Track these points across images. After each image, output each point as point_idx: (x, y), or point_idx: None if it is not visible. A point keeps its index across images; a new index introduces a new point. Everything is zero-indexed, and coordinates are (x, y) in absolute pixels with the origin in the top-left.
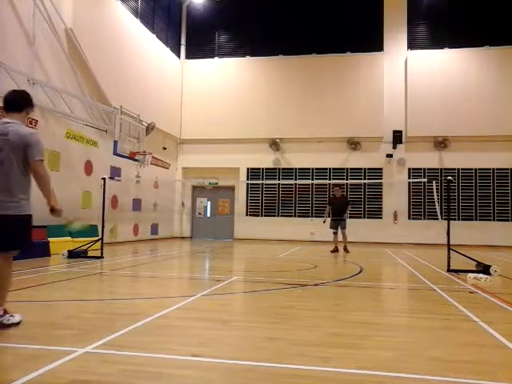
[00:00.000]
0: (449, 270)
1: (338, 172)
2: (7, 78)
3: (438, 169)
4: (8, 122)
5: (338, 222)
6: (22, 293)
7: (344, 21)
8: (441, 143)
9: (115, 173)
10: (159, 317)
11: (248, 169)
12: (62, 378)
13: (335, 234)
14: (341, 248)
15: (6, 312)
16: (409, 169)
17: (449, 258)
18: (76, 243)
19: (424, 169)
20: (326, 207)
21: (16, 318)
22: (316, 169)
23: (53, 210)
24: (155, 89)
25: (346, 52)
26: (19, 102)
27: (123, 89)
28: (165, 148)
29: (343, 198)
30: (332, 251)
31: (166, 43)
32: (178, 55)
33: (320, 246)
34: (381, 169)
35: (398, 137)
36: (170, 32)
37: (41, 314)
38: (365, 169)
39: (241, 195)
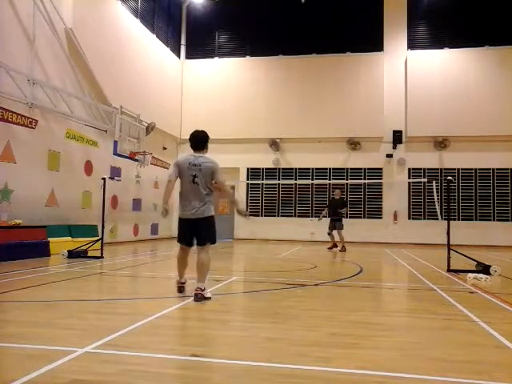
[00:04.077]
0: (449, 270)
1: (338, 172)
2: (7, 77)
3: (438, 169)
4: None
5: (333, 223)
6: (22, 293)
7: (344, 21)
8: (441, 143)
9: (115, 173)
10: (159, 317)
11: (248, 169)
12: (62, 378)
13: (329, 234)
14: (339, 247)
15: (203, 290)
16: (409, 169)
17: (449, 257)
18: (76, 243)
19: (424, 169)
20: (325, 208)
21: (209, 294)
22: (316, 169)
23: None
24: (155, 89)
25: (346, 52)
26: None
27: (123, 89)
28: (165, 148)
29: (341, 199)
30: (329, 248)
31: (166, 43)
32: (178, 55)
33: (320, 246)
34: (381, 169)
35: (397, 137)
36: (169, 32)
37: (41, 313)
38: (365, 169)
39: (241, 195)
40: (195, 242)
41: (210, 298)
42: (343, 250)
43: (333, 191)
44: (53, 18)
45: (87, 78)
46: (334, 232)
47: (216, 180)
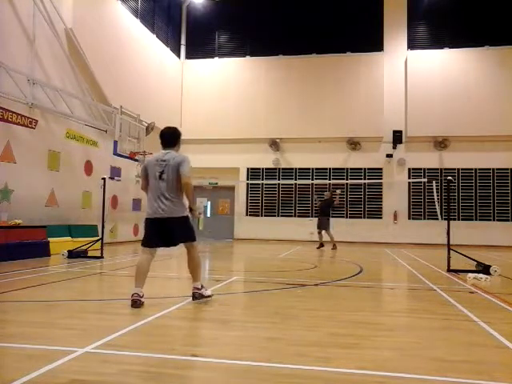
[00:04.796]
0: (449, 270)
1: (338, 172)
2: (7, 77)
3: (438, 169)
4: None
5: (320, 222)
6: (22, 293)
7: (344, 21)
8: (441, 143)
9: (115, 173)
10: (159, 317)
11: (248, 169)
12: (62, 378)
13: (319, 233)
14: (328, 247)
15: (202, 286)
16: (409, 169)
17: (449, 257)
18: (76, 243)
19: (424, 169)
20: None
21: (208, 292)
22: (316, 169)
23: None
24: (155, 89)
25: (346, 52)
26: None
27: (123, 89)
28: None
29: (329, 199)
30: (318, 247)
31: (166, 43)
32: (178, 55)
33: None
34: (381, 169)
35: (398, 137)
36: (169, 32)
37: (41, 313)
38: (365, 169)
39: (241, 195)
40: (163, 244)
41: (210, 296)
42: (334, 247)
43: (319, 191)
44: (53, 18)
45: (87, 78)
46: (323, 232)
47: (180, 171)
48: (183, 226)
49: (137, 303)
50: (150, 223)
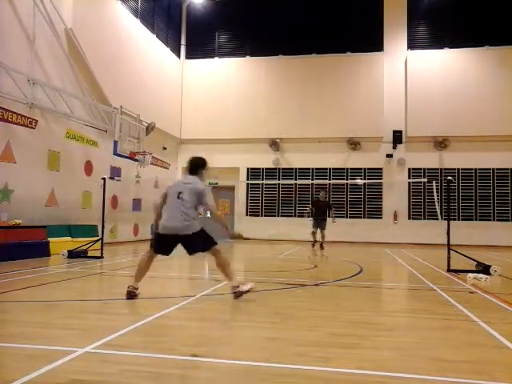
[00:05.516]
0: (449, 270)
1: (338, 172)
2: (7, 77)
3: (438, 169)
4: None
5: (319, 223)
6: (22, 293)
7: (344, 21)
8: (441, 143)
9: (115, 173)
10: (159, 317)
11: (248, 169)
12: (62, 378)
13: (314, 233)
14: (317, 245)
15: (237, 286)
16: (409, 169)
17: (449, 257)
18: (76, 243)
19: (424, 169)
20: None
21: (246, 287)
22: (316, 169)
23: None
24: (155, 89)
25: (346, 52)
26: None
27: (123, 89)
28: (165, 148)
29: (326, 201)
30: (322, 248)
31: (166, 43)
32: (178, 55)
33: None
34: (381, 169)
35: (397, 137)
36: (169, 32)
37: (41, 313)
38: (365, 169)
39: (241, 195)
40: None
41: (248, 291)
42: (322, 247)
43: (317, 192)
44: (53, 18)
45: (87, 78)
46: (318, 231)
47: (204, 204)
48: (200, 238)
49: (131, 294)
50: (167, 238)
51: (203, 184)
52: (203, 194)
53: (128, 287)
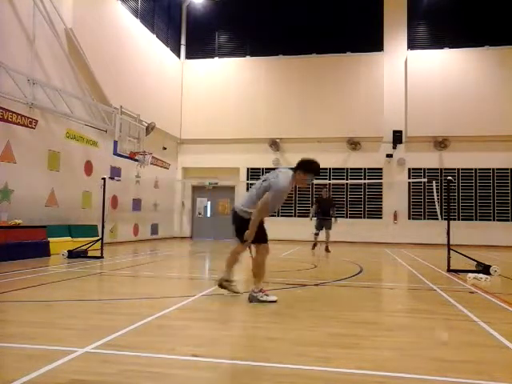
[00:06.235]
0: (449, 270)
1: (337, 172)
2: (7, 77)
3: (438, 169)
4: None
5: (323, 222)
6: (22, 293)
7: (344, 21)
8: (441, 143)
9: (115, 173)
10: (159, 317)
11: (248, 169)
12: (62, 378)
13: (317, 235)
14: (322, 247)
15: (261, 290)
16: (409, 169)
17: (449, 257)
18: (76, 243)
19: (424, 169)
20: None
21: (267, 298)
22: None
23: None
24: (155, 89)
25: (346, 52)
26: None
27: (123, 89)
28: (165, 148)
29: (330, 199)
30: (312, 248)
31: (166, 43)
32: (178, 55)
33: (320, 246)
34: (381, 169)
35: (397, 137)
36: (169, 32)
37: (41, 313)
38: (365, 169)
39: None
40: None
41: (266, 301)
42: (327, 250)
43: (319, 191)
44: (53, 18)
45: (87, 78)
46: (322, 232)
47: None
48: (243, 228)
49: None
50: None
51: (284, 181)
52: (271, 187)
53: (224, 280)
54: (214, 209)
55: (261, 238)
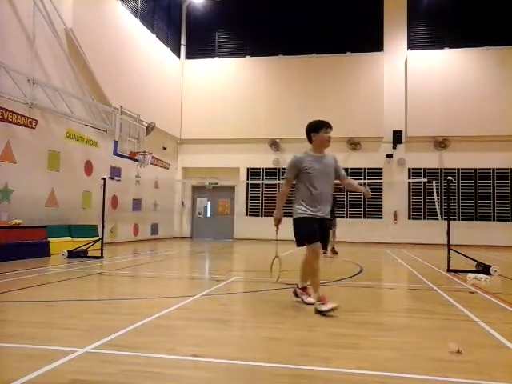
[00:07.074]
0: (449, 270)
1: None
2: (7, 77)
3: (438, 169)
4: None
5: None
6: (22, 293)
7: (344, 21)
8: (441, 143)
9: (115, 173)
10: (159, 317)
11: (248, 169)
12: (62, 378)
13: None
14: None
15: (302, 289)
16: (409, 169)
17: (449, 257)
18: (76, 243)
19: (424, 169)
20: None
21: (306, 299)
22: None
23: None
24: (155, 89)
25: (346, 52)
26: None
27: (123, 89)
28: (165, 148)
29: (333, 196)
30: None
31: (166, 43)
32: (178, 55)
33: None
34: (381, 169)
35: (397, 137)
36: (169, 32)
37: (41, 313)
38: (365, 169)
39: (241, 195)
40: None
41: (303, 302)
42: (334, 251)
43: None
44: (53, 18)
45: (87, 78)
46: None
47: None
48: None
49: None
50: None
51: (297, 155)
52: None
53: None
54: (214, 209)
55: (305, 237)
